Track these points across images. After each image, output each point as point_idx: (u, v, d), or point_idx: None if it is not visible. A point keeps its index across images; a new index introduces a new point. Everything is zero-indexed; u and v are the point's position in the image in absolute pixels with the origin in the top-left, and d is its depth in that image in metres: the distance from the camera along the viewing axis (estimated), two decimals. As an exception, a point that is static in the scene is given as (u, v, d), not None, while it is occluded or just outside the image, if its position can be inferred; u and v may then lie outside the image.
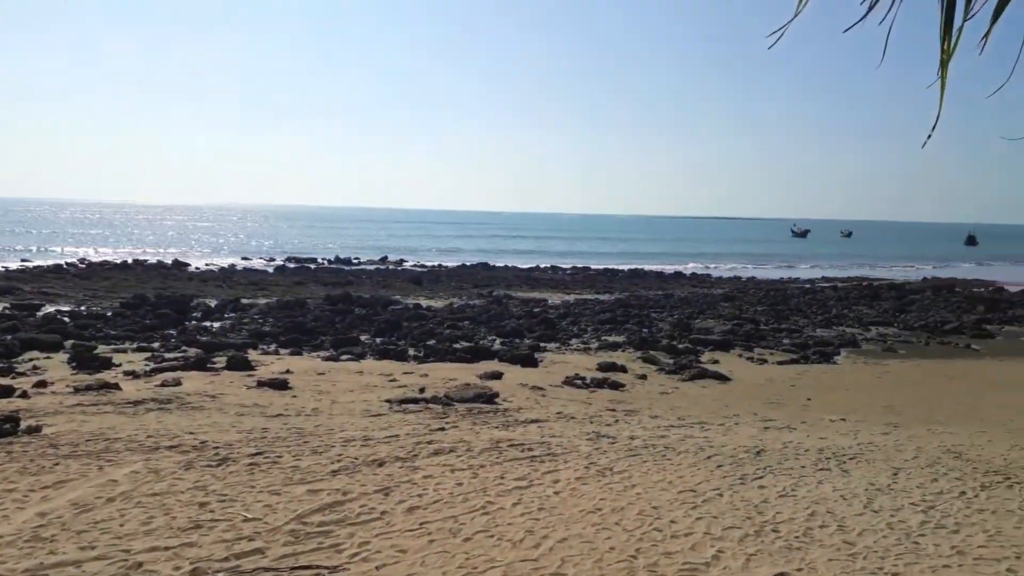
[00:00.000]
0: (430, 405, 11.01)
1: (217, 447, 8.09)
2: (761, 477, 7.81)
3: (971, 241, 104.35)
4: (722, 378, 15.08)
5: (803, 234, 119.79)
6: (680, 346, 18.95)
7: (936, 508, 6.83)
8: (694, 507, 6.85)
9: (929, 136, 2.12)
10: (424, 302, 27.37)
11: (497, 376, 13.85)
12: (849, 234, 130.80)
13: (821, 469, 8.13)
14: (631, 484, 7.48)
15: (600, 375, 14.63)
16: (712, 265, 53.84)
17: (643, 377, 14.93)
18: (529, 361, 16.03)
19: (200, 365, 13.89)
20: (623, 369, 15.49)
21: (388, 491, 7.03)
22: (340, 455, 8.00)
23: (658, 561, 5.67)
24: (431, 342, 18.55)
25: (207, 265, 42.51)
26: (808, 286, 38.37)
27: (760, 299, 30.78)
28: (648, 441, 9.21)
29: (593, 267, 48.11)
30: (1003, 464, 8.32)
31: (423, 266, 46.49)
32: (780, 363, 17.39)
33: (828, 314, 26.45)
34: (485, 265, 47.78)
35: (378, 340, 18.93)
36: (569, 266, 48.71)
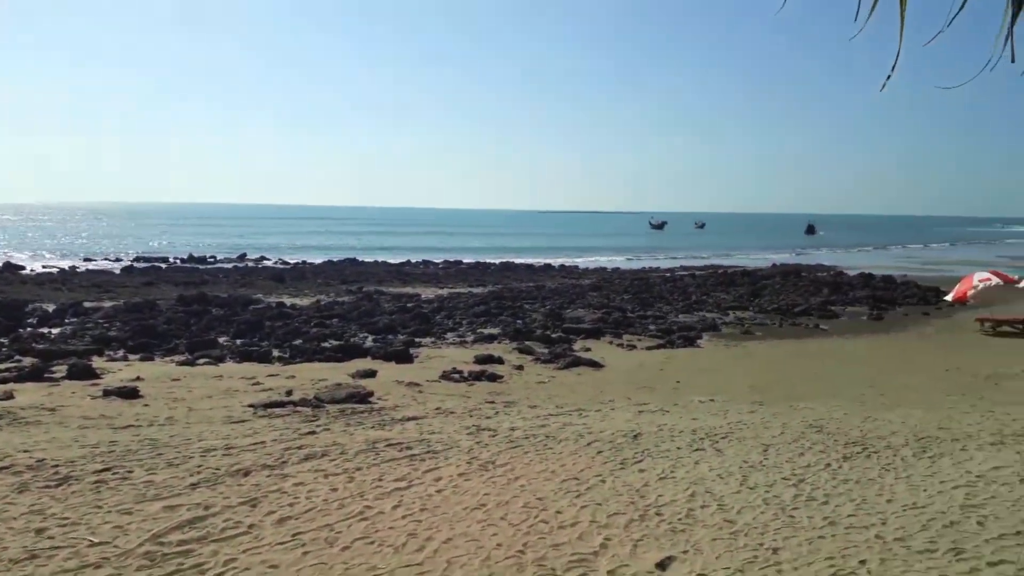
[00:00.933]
0: (299, 408, 10.40)
1: (57, 465, 7.20)
2: (640, 461, 7.85)
3: (810, 230, 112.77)
4: (595, 365, 15.28)
5: (660, 226, 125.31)
6: (554, 335, 19.10)
7: (806, 481, 7.08)
8: (578, 495, 6.76)
9: (888, 77, 2.00)
10: (288, 300, 26.19)
11: (371, 374, 13.35)
12: (703, 225, 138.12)
13: (697, 450, 8.29)
14: (515, 477, 7.30)
15: (477, 368, 14.44)
16: (580, 258, 55.05)
17: (520, 368, 14.88)
18: (404, 357, 15.60)
19: (36, 375, 12.52)
20: (500, 361, 15.38)
21: (255, 502, 6.48)
22: (200, 466, 7.33)
23: (546, 554, 5.50)
24: (297, 342, 17.71)
25: (44, 268, 38.85)
26: (669, 275, 39.96)
27: (626, 288, 31.69)
28: (529, 431, 9.08)
29: (465, 261, 47.99)
30: (860, 435, 8.80)
31: (286, 263, 44.65)
32: (648, 348, 17.87)
33: (689, 300, 27.59)
34: (353, 261, 46.55)
35: (238, 342, 17.85)
36: (441, 260, 48.35)
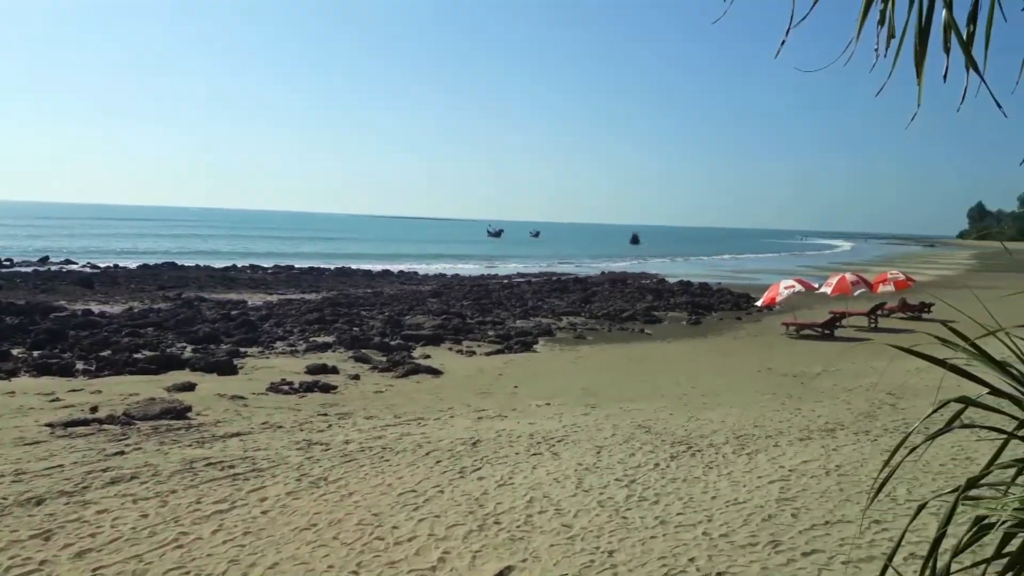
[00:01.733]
0: (105, 426, 9.39)
1: None
2: (479, 468, 7.75)
3: (635, 240, 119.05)
4: (435, 372, 15.09)
5: (497, 234, 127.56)
6: (392, 343, 18.71)
7: (637, 481, 7.28)
8: (416, 508, 6.54)
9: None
10: (97, 307, 23.89)
11: (189, 387, 12.37)
12: (537, 234, 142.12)
13: (534, 454, 8.31)
14: (348, 492, 6.95)
15: (310, 378, 13.79)
16: (420, 264, 54.67)
17: (356, 377, 14.39)
18: (227, 368, 14.62)
19: None
20: (335, 370, 14.79)
21: (49, 535, 5.73)
22: (-22, 498, 6.39)
23: (382, 573, 5.24)
24: (106, 353, 16.13)
25: None
26: (506, 281, 40.61)
27: (465, 294, 31.81)
28: (364, 444, 8.73)
29: (297, 266, 46.15)
30: (685, 434, 9.22)
31: (95, 267, 40.81)
32: (488, 354, 17.94)
33: (526, 306, 28.11)
34: (172, 265, 43.36)
35: (36, 353, 15.98)
36: (271, 265, 46.19)
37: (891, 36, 1.74)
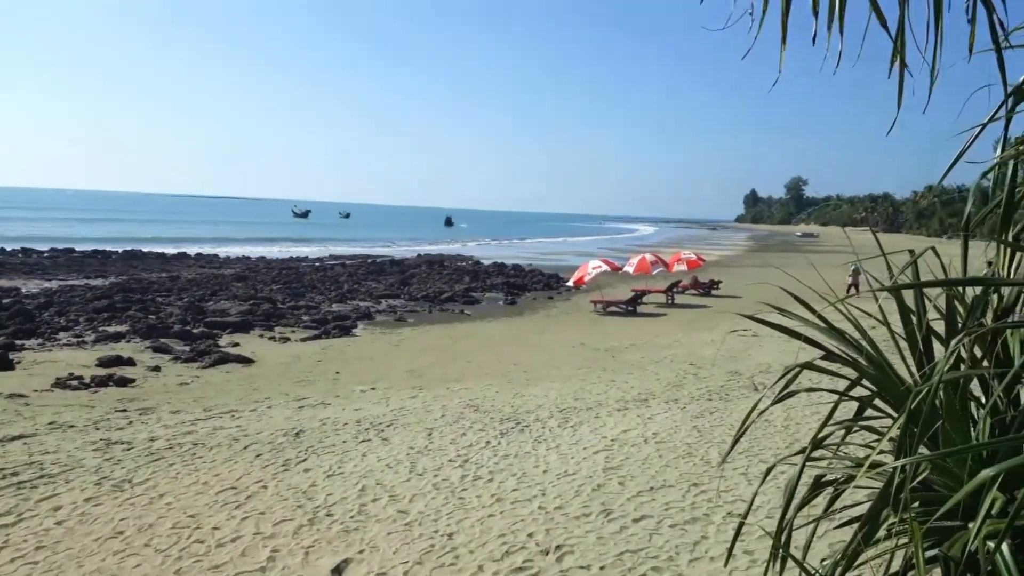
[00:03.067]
0: None
1: None
2: (305, 460, 7.40)
3: (448, 222, 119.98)
4: (246, 361, 14.23)
5: (304, 215, 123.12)
6: (195, 331, 17.40)
7: (470, 461, 7.28)
8: (238, 506, 6.10)
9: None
10: None
11: (-47, 387, 10.74)
12: (348, 215, 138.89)
13: (363, 441, 8.07)
14: (159, 494, 6.35)
15: (103, 372, 12.48)
16: (220, 247, 51.21)
17: (156, 369, 13.22)
18: (2, 363, 12.87)
19: None
20: (131, 362, 13.49)
21: None
22: None
23: (206, 580, 4.83)
24: None
25: None
26: (319, 264, 39.26)
27: (274, 278, 30.33)
28: (173, 440, 8.02)
29: (79, 249, 41.61)
30: (512, 411, 9.37)
31: None
32: (303, 340, 17.22)
33: (341, 290, 27.32)
34: (-78, 249, 37.51)
35: None
36: (47, 249, 41.29)
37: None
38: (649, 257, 27.09)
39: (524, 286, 30.95)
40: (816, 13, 1.56)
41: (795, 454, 2.46)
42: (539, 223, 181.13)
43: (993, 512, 1.75)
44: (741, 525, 2.53)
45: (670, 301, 25.85)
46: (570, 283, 26.32)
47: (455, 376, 12.37)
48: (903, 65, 1.63)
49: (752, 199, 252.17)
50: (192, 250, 45.42)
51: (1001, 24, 1.57)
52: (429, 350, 15.66)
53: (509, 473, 6.90)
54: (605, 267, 24.69)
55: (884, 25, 1.54)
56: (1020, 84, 2.66)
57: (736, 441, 2.57)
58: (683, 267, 28.78)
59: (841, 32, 1.77)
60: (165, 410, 9.85)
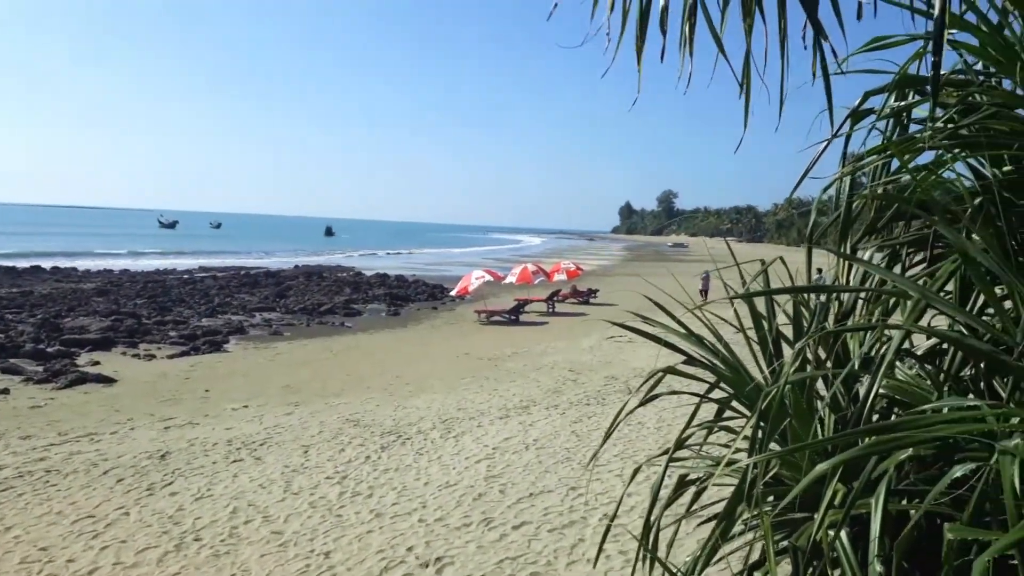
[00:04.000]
0: None
1: None
2: (171, 483, 7.01)
3: (329, 232, 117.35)
4: (107, 380, 13.32)
5: (171, 225, 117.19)
6: (50, 349, 16.13)
7: (349, 477, 7.12)
8: (96, 536, 5.70)
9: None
10: None
11: None
12: (219, 225, 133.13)
13: (234, 461, 7.73)
14: (6, 527, 5.83)
15: (-63, 396, 11.32)
16: (78, 260, 47.70)
17: (5, 392, 12.14)
18: None
19: None
20: (-29, 385, 12.32)
21: None
22: None
23: (57, 619, 4.47)
24: None
25: None
26: (187, 276, 37.35)
27: (139, 292, 28.58)
28: (23, 468, 7.39)
29: (-90, 262, 37.69)
30: (394, 424, 9.24)
31: None
32: (171, 357, 16.30)
33: (212, 303, 26.09)
34: None
35: None
36: None
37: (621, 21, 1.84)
38: (531, 267, 27.49)
39: (408, 297, 30.66)
40: (664, 31, 1.64)
41: (659, 455, 2.56)
42: (425, 233, 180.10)
43: (836, 503, 1.88)
44: (608, 528, 2.59)
45: (551, 310, 26.33)
46: (454, 293, 26.34)
47: (334, 391, 12.07)
48: (748, 91, 1.74)
49: (627, 211, 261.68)
50: (47, 263, 42.11)
51: (833, 51, 1.70)
52: (307, 364, 15.20)
53: (390, 487, 6.80)
54: (488, 277, 24.87)
55: (722, 52, 1.63)
56: (857, 106, 2.89)
57: (602, 445, 2.64)
58: (563, 276, 29.40)
59: (691, 54, 1.86)
60: (14, 436, 9.06)
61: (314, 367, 14.81)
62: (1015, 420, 1.45)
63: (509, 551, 5.28)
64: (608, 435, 2.61)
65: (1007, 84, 2.50)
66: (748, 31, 1.68)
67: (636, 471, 2.66)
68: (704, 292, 24.11)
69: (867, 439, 1.61)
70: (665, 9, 1.65)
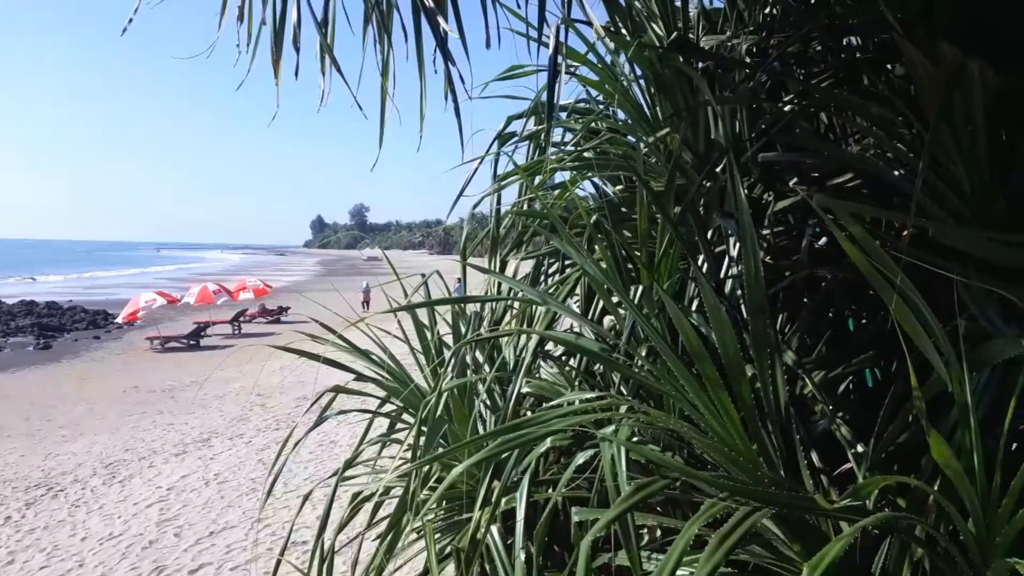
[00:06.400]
0: None
1: None
2: None
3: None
4: None
5: None
6: None
7: (-19, 545, 6.00)
8: None
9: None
10: None
11: None
12: None
13: None
14: None
15: None
16: None
17: None
18: None
19: None
20: None
21: None
22: None
23: None
24: None
25: None
26: None
27: None
28: None
29: None
30: (43, 476, 7.98)
31: None
32: None
33: None
34: None
35: None
36: None
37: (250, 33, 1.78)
38: (211, 286, 25.65)
39: (62, 327, 26.79)
40: (298, 48, 1.61)
41: (330, 476, 2.52)
42: (96, 252, 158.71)
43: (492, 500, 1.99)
44: (278, 563, 2.49)
45: (237, 331, 24.86)
46: (120, 320, 23.59)
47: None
48: (384, 112, 1.78)
49: (319, 225, 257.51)
50: None
51: (461, 77, 1.81)
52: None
53: (37, 549, 5.86)
54: (161, 300, 22.73)
55: (339, 71, 1.66)
56: (502, 130, 3.14)
57: (271, 472, 2.53)
58: (250, 295, 27.89)
59: (338, 70, 1.86)
60: None
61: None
62: (623, 409, 1.65)
63: (186, 599, 4.84)
64: (274, 466, 2.50)
65: (621, 114, 2.89)
66: (385, 64, 1.72)
67: (307, 497, 2.59)
68: (366, 303, 24.53)
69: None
70: (298, 25, 1.62)
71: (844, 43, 2.27)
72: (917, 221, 1.40)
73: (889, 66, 2.10)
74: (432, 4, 1.53)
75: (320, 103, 1.63)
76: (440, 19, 1.51)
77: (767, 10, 2.46)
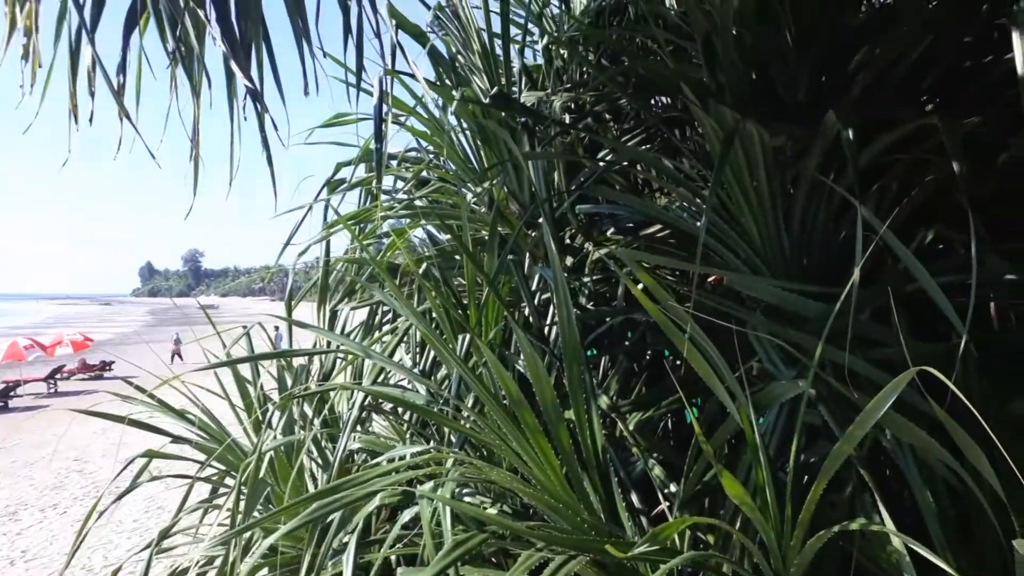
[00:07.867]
0: None
1: None
2: None
3: None
4: None
5: None
6: None
7: None
8: None
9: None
10: None
11: None
12: None
13: None
14: None
15: None
16: None
17: None
18: None
19: None
20: None
21: None
22: None
23: None
24: None
25: None
26: None
27: None
28: None
29: None
30: None
31: None
32: None
33: None
34: None
35: None
36: None
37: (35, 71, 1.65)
38: (22, 341, 23.23)
39: None
40: (93, 94, 1.51)
41: (143, 549, 2.31)
42: None
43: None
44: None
45: (53, 390, 22.58)
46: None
47: None
48: (197, 157, 1.69)
49: (148, 271, 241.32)
50: None
51: (274, 123, 1.76)
52: None
53: None
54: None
55: (130, 121, 1.57)
56: (331, 177, 3.09)
57: (75, 547, 2.29)
58: (68, 350, 25.50)
59: (128, 119, 1.75)
60: None
61: None
62: (450, 462, 1.63)
63: None
64: (79, 539, 2.26)
65: (451, 164, 2.93)
66: (197, 105, 1.64)
67: (116, 572, 2.36)
68: (176, 354, 22.63)
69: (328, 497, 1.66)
70: (93, 68, 1.51)
71: (652, 102, 2.43)
72: (709, 270, 1.49)
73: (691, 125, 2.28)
74: (242, 56, 1.48)
75: (115, 153, 1.53)
76: (244, 76, 1.46)
77: (583, 68, 2.60)
